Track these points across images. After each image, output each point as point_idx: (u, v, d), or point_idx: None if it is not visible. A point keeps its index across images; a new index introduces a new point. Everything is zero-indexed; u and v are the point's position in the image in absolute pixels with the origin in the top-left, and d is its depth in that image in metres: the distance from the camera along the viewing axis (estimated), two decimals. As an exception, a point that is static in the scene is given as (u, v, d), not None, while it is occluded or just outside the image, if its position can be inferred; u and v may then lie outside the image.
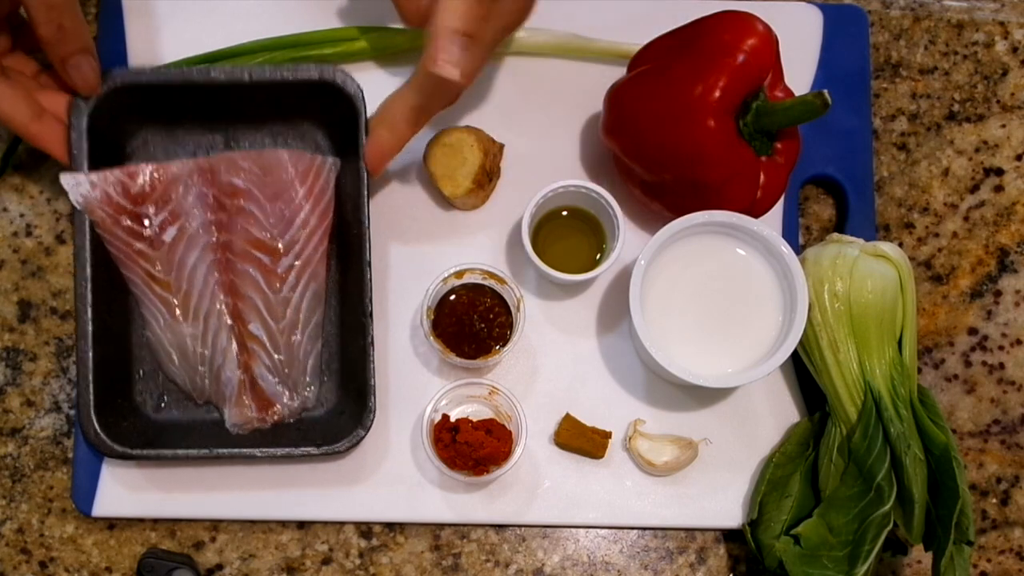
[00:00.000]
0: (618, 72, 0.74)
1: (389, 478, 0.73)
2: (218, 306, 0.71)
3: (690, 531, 0.74)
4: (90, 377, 0.68)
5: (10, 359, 0.76)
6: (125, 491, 0.73)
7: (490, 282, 0.71)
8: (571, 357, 0.75)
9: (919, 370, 0.75)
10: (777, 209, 0.76)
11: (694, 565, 0.74)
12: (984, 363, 0.77)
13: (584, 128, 0.77)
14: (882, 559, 0.72)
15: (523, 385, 0.74)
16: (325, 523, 0.74)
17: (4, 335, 0.76)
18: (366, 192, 0.69)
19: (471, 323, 0.71)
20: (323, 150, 0.74)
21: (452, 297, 0.72)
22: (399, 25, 0.73)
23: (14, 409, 0.75)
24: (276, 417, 0.71)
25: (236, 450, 0.69)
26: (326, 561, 0.74)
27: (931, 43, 0.81)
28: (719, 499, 0.73)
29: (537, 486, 0.73)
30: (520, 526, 0.74)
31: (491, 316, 0.71)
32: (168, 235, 0.71)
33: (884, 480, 0.67)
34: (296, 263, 0.71)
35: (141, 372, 0.73)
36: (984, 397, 0.77)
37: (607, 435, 0.73)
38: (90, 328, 0.68)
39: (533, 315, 0.74)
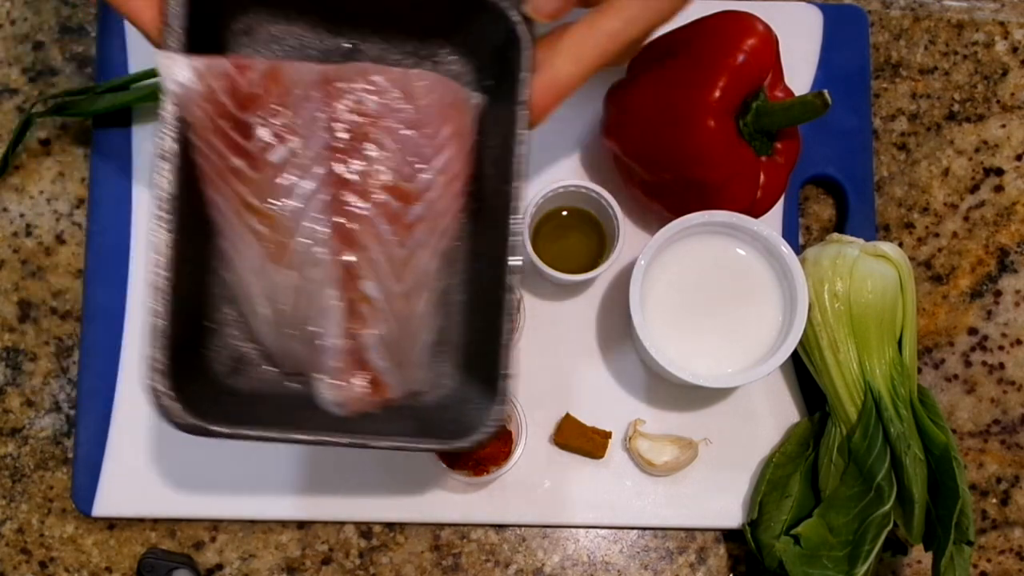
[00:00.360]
0: (618, 72, 0.74)
1: (389, 478, 0.73)
2: (327, 255, 0.56)
3: (690, 531, 0.74)
4: (166, 324, 0.53)
5: (10, 359, 0.76)
6: (125, 491, 0.73)
7: (490, 282, 0.71)
8: (571, 357, 0.75)
9: (919, 370, 0.75)
10: (777, 209, 0.76)
11: (694, 565, 0.74)
12: (984, 363, 0.77)
13: (584, 128, 0.77)
14: (882, 559, 0.72)
15: (523, 385, 0.74)
16: (325, 523, 0.74)
17: (4, 335, 0.76)
18: (523, 134, 0.56)
19: (471, 323, 0.71)
20: (462, 83, 0.61)
21: (452, 297, 0.71)
22: None
23: (14, 409, 0.75)
24: (387, 398, 0.58)
25: (344, 437, 0.55)
26: (326, 561, 0.74)
27: (931, 43, 0.81)
28: (719, 499, 0.73)
29: (537, 486, 0.73)
30: (520, 526, 0.74)
31: (491, 316, 0.71)
32: (276, 155, 0.56)
33: (884, 480, 0.67)
34: (428, 214, 0.57)
35: (214, 322, 0.59)
36: (984, 397, 0.77)
37: (607, 435, 0.73)
38: (170, 267, 0.53)
39: (533, 315, 0.74)
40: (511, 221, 0.57)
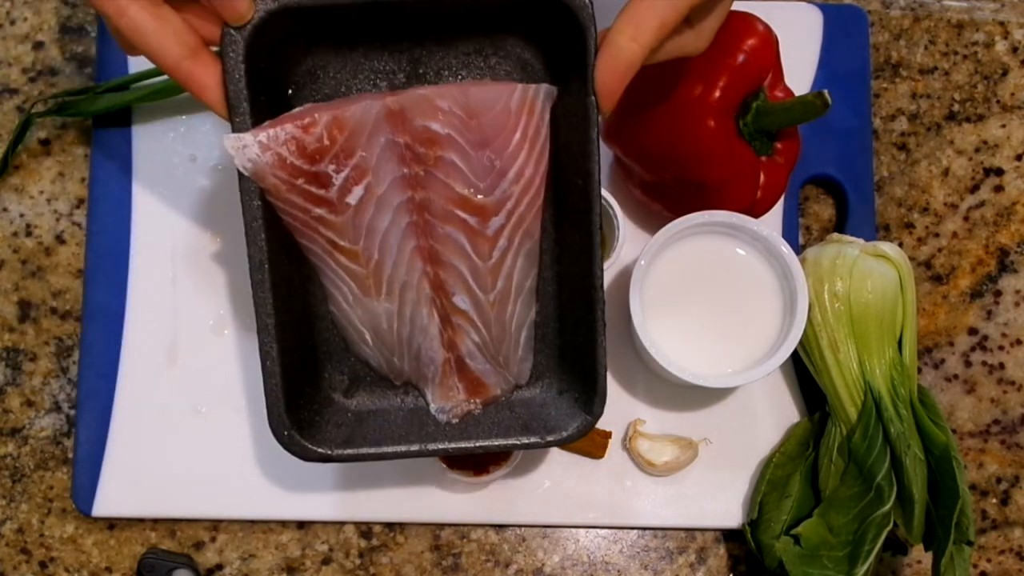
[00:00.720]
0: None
1: (389, 478, 0.73)
2: (416, 277, 0.61)
3: (690, 531, 0.74)
4: (278, 372, 0.58)
5: (10, 359, 0.76)
6: (125, 491, 0.73)
7: (491, 282, 0.71)
8: (571, 357, 0.75)
9: (919, 370, 0.75)
10: (777, 209, 0.76)
11: (694, 565, 0.74)
12: (984, 363, 0.77)
13: (584, 128, 0.77)
14: (882, 559, 0.72)
15: (523, 385, 0.74)
16: (325, 523, 0.74)
17: (4, 335, 0.76)
18: (595, 128, 0.55)
19: (472, 323, 0.71)
20: (532, 72, 0.60)
21: (453, 297, 0.71)
22: None
23: (14, 409, 0.75)
24: (488, 399, 0.63)
25: (450, 444, 0.60)
26: (326, 561, 0.74)
27: (931, 43, 0.81)
28: (719, 499, 0.73)
29: (537, 486, 0.73)
30: (520, 526, 0.74)
31: (492, 316, 0.71)
32: (353, 196, 0.59)
33: (884, 480, 0.67)
34: (508, 223, 0.59)
35: (327, 353, 0.63)
36: (984, 397, 0.77)
37: (607, 435, 0.73)
38: (272, 320, 0.57)
39: (533, 315, 0.75)
40: (594, 212, 0.57)
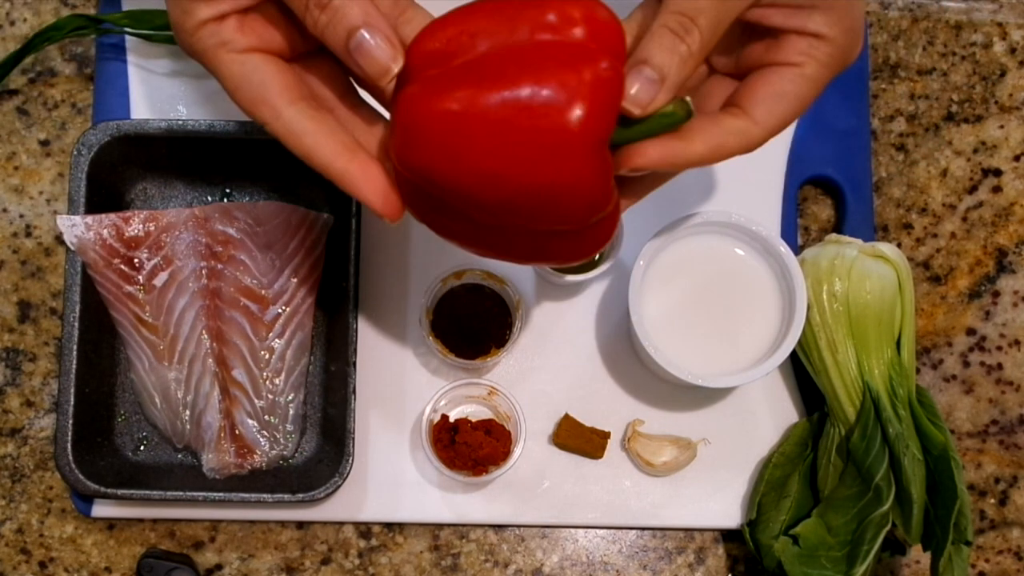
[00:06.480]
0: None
1: (388, 478, 0.73)
2: (203, 351, 0.71)
3: (689, 531, 0.75)
4: (70, 413, 0.69)
5: (10, 359, 0.76)
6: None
7: (489, 283, 0.71)
8: (570, 357, 0.75)
9: (917, 370, 0.76)
10: (776, 209, 0.76)
11: (693, 565, 0.74)
12: (982, 363, 0.77)
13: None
14: (880, 559, 0.72)
15: (522, 385, 0.74)
16: (324, 523, 0.74)
17: (4, 335, 0.76)
18: (356, 248, 0.70)
19: (470, 324, 0.71)
20: (318, 207, 0.75)
21: (451, 298, 0.72)
22: None
23: (14, 409, 0.75)
24: (255, 464, 0.71)
25: (210, 494, 0.69)
26: (325, 561, 0.74)
27: (929, 44, 0.81)
28: (718, 499, 0.74)
29: (536, 486, 0.73)
30: (519, 526, 0.74)
31: (490, 317, 0.71)
32: (159, 280, 0.72)
33: (882, 480, 0.67)
34: (283, 312, 0.72)
35: (123, 414, 0.73)
36: (982, 397, 0.77)
37: (606, 435, 0.73)
38: (74, 366, 0.69)
39: (532, 315, 0.75)
40: (351, 311, 0.70)
